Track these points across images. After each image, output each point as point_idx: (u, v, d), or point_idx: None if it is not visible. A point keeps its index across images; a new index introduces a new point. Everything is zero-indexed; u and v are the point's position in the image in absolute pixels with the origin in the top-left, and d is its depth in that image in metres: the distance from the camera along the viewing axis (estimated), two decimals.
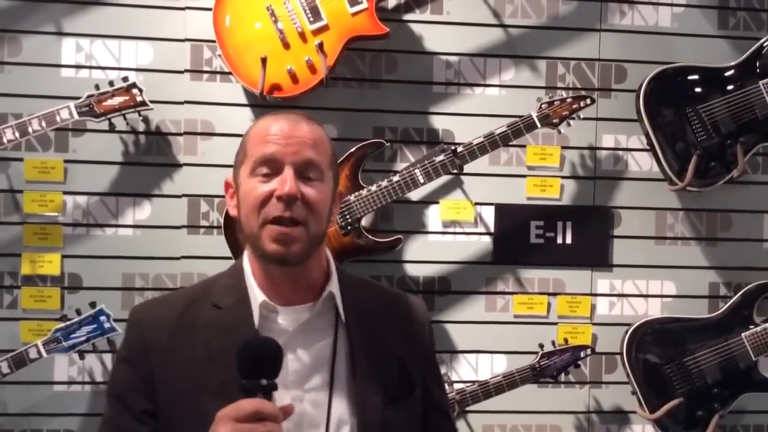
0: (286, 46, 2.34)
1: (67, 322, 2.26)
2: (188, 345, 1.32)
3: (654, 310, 2.64)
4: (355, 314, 1.37)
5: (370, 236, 2.40)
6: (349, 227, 2.36)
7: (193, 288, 1.45)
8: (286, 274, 1.33)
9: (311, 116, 1.38)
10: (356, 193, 2.36)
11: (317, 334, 1.34)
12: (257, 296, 1.33)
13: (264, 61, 2.30)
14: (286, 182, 1.27)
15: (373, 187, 2.36)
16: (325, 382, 1.32)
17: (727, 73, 2.54)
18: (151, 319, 1.36)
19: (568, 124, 2.44)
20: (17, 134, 2.23)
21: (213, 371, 1.28)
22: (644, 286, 2.65)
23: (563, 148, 2.60)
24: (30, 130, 2.23)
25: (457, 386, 2.42)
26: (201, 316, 1.34)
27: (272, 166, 1.29)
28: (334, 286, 1.37)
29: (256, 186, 1.30)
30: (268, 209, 1.28)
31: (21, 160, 2.41)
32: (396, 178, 2.36)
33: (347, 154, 2.38)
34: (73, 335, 2.26)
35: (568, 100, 2.43)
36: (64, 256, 2.43)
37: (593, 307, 2.62)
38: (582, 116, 2.45)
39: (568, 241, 2.61)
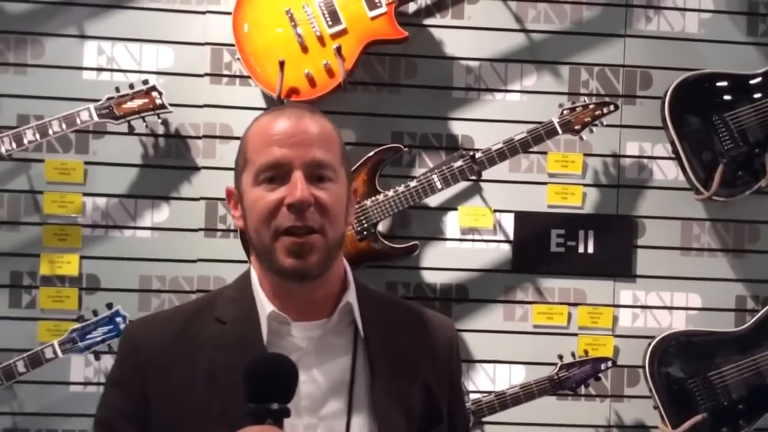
0: (305, 49, 2.34)
1: (84, 323, 2.27)
2: (189, 363, 1.18)
3: (678, 322, 2.57)
4: (375, 330, 1.23)
5: (386, 242, 2.37)
6: (365, 232, 2.34)
7: (195, 302, 1.31)
8: (302, 287, 1.19)
9: (313, 108, 1.25)
10: (373, 198, 2.34)
11: (333, 353, 1.21)
12: (265, 308, 1.20)
13: (282, 64, 2.30)
14: (296, 188, 1.13)
15: (390, 193, 2.34)
16: (343, 408, 1.18)
17: (756, 81, 2.48)
18: (147, 335, 1.23)
19: (591, 131, 2.39)
20: (38, 135, 2.25)
21: (216, 392, 1.14)
22: (668, 298, 2.58)
23: (586, 155, 2.55)
24: (50, 131, 2.25)
25: (473, 396, 2.38)
26: (203, 332, 1.20)
27: (279, 172, 1.16)
28: (351, 297, 1.23)
29: (263, 195, 1.16)
30: (279, 220, 1.14)
31: (42, 161, 2.44)
32: (413, 183, 2.34)
33: (365, 158, 2.37)
34: (89, 336, 2.27)
35: (591, 106, 2.38)
36: (82, 257, 2.45)
37: (615, 319, 2.56)
38: (605, 123, 2.41)
39: (590, 250, 2.55)
